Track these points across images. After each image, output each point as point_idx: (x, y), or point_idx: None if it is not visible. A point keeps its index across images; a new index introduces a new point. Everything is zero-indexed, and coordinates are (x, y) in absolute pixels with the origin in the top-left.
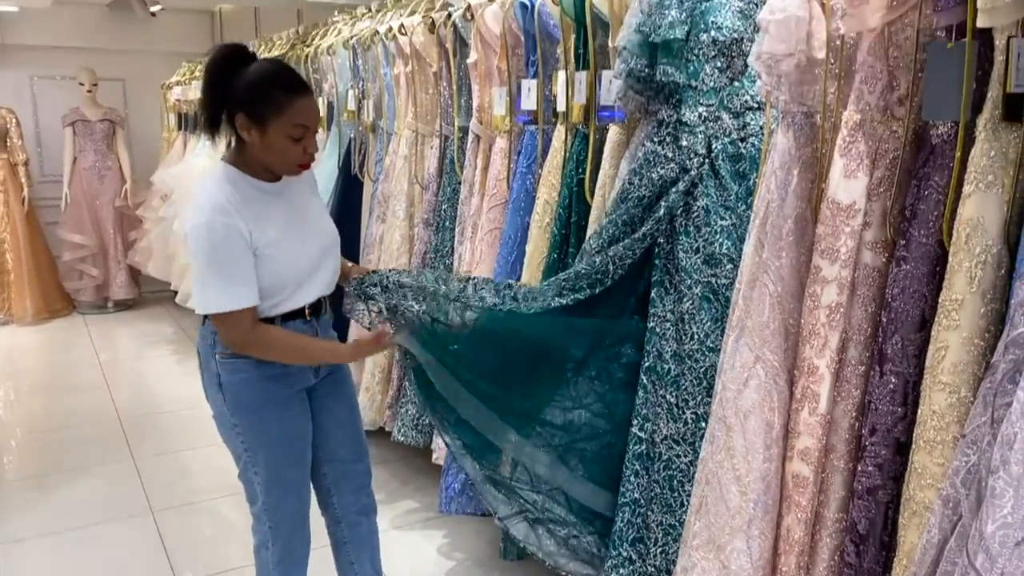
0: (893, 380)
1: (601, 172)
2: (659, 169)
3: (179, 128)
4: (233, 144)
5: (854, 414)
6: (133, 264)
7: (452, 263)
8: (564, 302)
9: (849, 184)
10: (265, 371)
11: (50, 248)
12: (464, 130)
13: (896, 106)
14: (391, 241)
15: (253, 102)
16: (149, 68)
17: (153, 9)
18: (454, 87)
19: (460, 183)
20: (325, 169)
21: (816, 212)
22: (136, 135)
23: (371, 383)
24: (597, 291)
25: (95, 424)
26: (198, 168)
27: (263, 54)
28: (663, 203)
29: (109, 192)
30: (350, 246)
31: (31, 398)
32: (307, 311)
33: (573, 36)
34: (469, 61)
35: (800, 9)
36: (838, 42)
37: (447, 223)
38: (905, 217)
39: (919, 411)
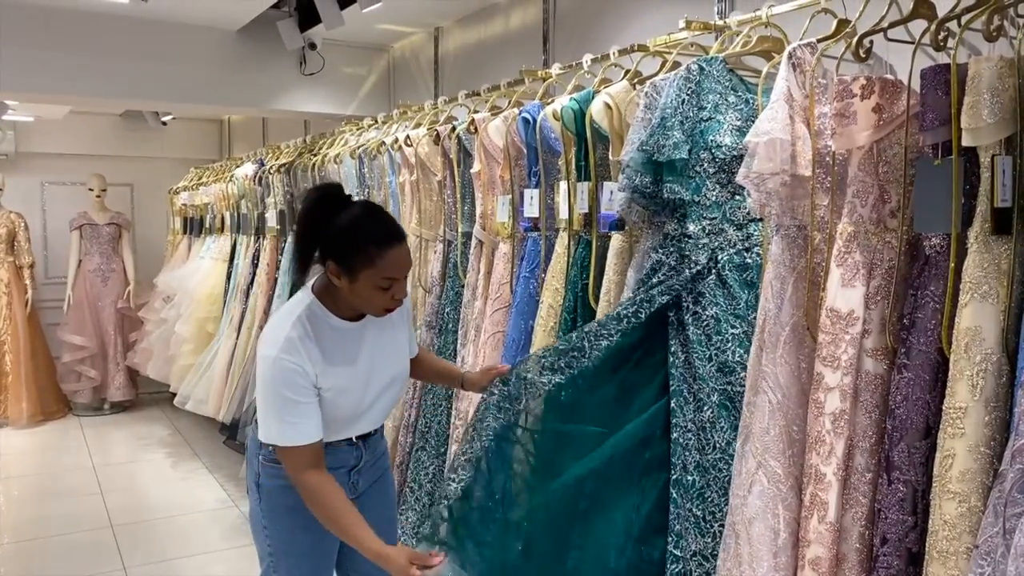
0: (902, 488)
1: (605, 279)
2: (660, 276)
3: (184, 231)
4: (321, 277)
5: (864, 522)
6: (132, 365)
7: (455, 364)
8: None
9: (847, 293)
10: None
11: (50, 350)
12: (467, 235)
13: (889, 218)
14: None
15: (345, 252)
16: (157, 174)
17: (164, 119)
18: (458, 195)
19: (463, 286)
20: None
21: (813, 321)
22: (142, 238)
23: None
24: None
25: (86, 530)
26: (201, 271)
27: (271, 162)
28: (651, 297)
29: (112, 294)
30: None
31: (21, 504)
32: (355, 438)
33: (574, 149)
34: (472, 171)
35: (783, 132)
36: (828, 158)
37: (450, 325)
38: (904, 325)
39: (930, 520)
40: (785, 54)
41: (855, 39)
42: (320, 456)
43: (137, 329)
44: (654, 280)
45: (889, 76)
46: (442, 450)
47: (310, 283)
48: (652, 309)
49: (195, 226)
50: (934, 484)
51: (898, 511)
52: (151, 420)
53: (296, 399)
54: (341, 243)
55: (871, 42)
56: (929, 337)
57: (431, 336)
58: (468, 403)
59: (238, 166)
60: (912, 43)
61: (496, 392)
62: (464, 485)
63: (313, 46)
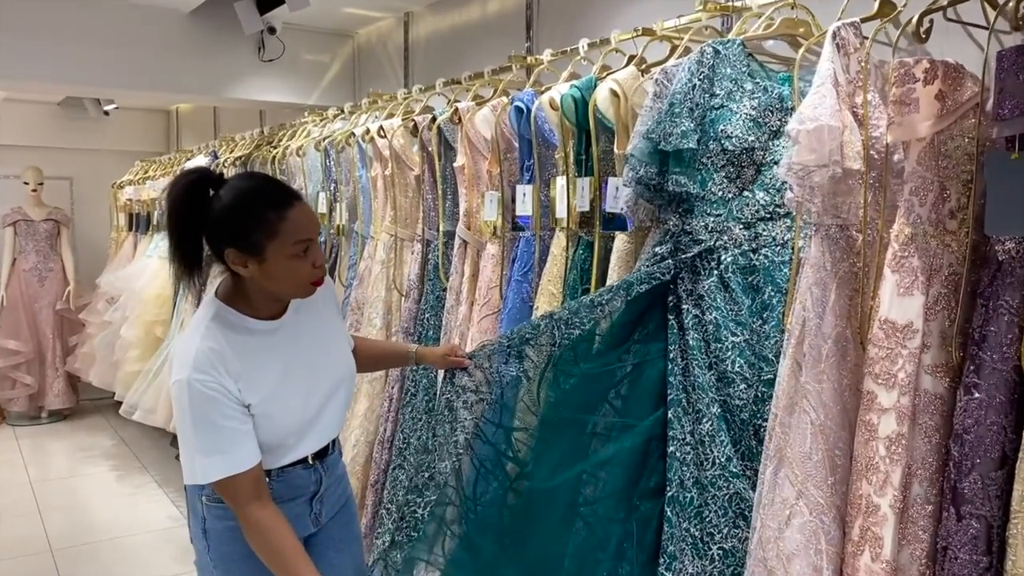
0: (975, 525)
1: (608, 283)
2: (647, 263)
3: (129, 229)
4: (225, 280)
5: (924, 561)
6: (72, 371)
7: (435, 375)
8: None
9: (904, 302)
10: None
11: None
12: (449, 235)
13: (948, 218)
14: None
15: (242, 231)
16: (99, 167)
17: (107, 108)
18: (438, 191)
19: (444, 290)
20: None
21: (859, 332)
22: (82, 235)
23: None
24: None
25: (22, 556)
26: (148, 270)
27: (225, 155)
28: (628, 284)
29: (50, 295)
30: None
31: None
32: (310, 458)
33: (573, 141)
34: (455, 165)
35: (832, 118)
36: (873, 152)
37: (430, 333)
38: (973, 340)
39: (1008, 562)
40: (829, 33)
41: (915, 17)
42: (261, 484)
43: (78, 332)
44: (642, 269)
45: (950, 60)
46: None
47: (211, 290)
48: (629, 296)
49: (141, 223)
50: (1013, 520)
51: (970, 551)
52: (94, 429)
53: (221, 424)
54: (234, 222)
55: (931, 21)
56: (1004, 354)
57: (409, 343)
58: None
59: (188, 159)
60: (974, 24)
61: (459, 389)
62: (434, 508)
63: (272, 30)
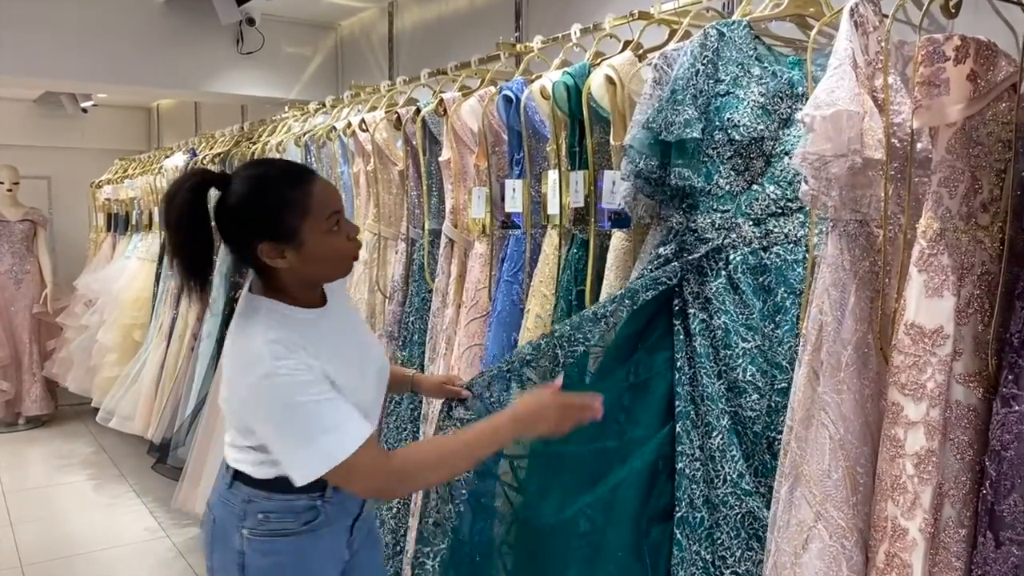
0: (1016, 552)
1: (605, 283)
2: (651, 267)
3: (108, 229)
4: (255, 281)
5: None
6: (50, 376)
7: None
8: None
9: (933, 304)
10: (303, 549)
11: None
12: (434, 233)
13: (980, 212)
14: None
15: (270, 220)
16: (78, 165)
17: (84, 105)
18: (423, 187)
19: (430, 292)
20: None
21: (881, 338)
22: (60, 236)
23: None
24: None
25: None
26: (127, 272)
27: (204, 152)
28: (633, 293)
29: (26, 298)
30: None
31: None
32: None
33: (566, 132)
34: (441, 159)
35: (851, 103)
36: (895, 140)
37: (416, 336)
38: (1011, 345)
39: None
40: (846, 10)
41: None
42: (380, 448)
43: (55, 336)
44: (645, 273)
45: (981, 37)
46: None
47: (243, 292)
48: (635, 305)
49: (120, 223)
50: None
51: None
52: (72, 436)
53: (321, 401)
54: (260, 212)
55: None
56: None
57: (393, 348)
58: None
59: (167, 156)
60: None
61: (457, 422)
62: (437, 554)
63: (251, 22)
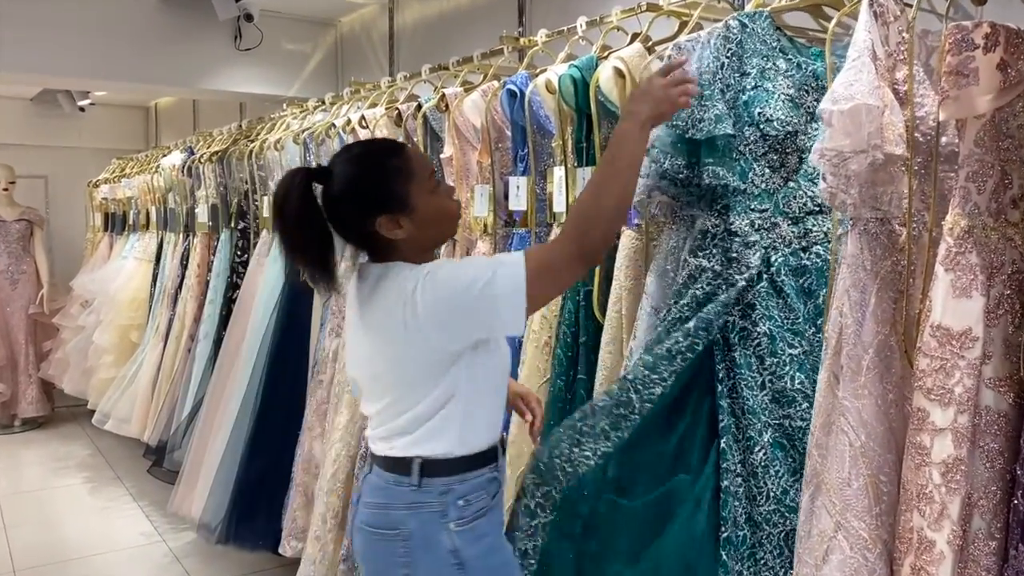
0: None
1: (615, 284)
2: (703, 286)
3: (105, 229)
4: (374, 256)
5: None
6: (46, 377)
7: None
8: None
9: (961, 305)
10: (497, 522)
11: None
12: None
13: (1010, 208)
14: None
15: (382, 191)
16: (75, 165)
17: (82, 104)
18: None
19: None
20: (270, 275)
21: (904, 340)
22: (57, 236)
23: (322, 531)
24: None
25: None
26: (124, 272)
27: (201, 150)
28: (708, 323)
29: (23, 298)
30: (298, 362)
31: None
32: (499, 447)
33: (572, 127)
34: (442, 156)
35: (870, 96)
36: (917, 135)
37: None
38: None
39: None
40: (865, 0)
41: None
42: None
43: (52, 337)
44: (698, 293)
45: (1011, 24)
46: None
47: (354, 281)
48: (710, 338)
49: (117, 222)
50: None
51: None
52: (68, 438)
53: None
54: (371, 187)
55: None
56: None
57: None
58: None
59: (165, 155)
60: None
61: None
62: None
63: (249, 18)
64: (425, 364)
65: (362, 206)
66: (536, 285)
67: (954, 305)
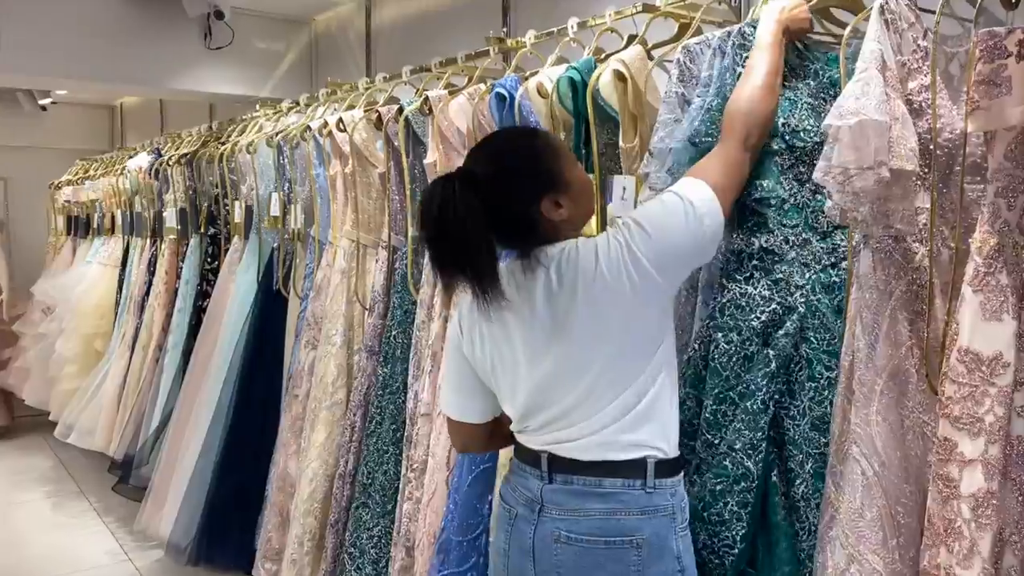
0: None
1: None
2: (758, 315)
3: (68, 232)
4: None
5: None
6: (5, 387)
7: (404, 401)
8: None
9: (991, 329)
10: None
11: None
12: (419, 241)
13: None
14: (325, 372)
15: (540, 173)
16: (36, 166)
17: (43, 103)
18: (406, 191)
19: (414, 304)
20: (242, 283)
21: (926, 365)
22: (17, 240)
23: (298, 554)
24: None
25: None
26: (87, 278)
27: (169, 152)
28: (773, 356)
29: None
30: (272, 374)
31: None
32: None
33: (567, 133)
34: (426, 162)
35: (877, 111)
36: (931, 145)
37: (398, 352)
38: None
39: None
40: (876, 7)
41: None
42: None
43: (12, 345)
44: (755, 324)
45: None
46: (389, 507)
47: (542, 253)
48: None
49: (80, 226)
50: None
51: None
52: (30, 450)
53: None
54: (530, 170)
55: None
56: None
57: (373, 364)
58: (423, 450)
59: (131, 157)
60: None
61: None
62: None
63: (220, 15)
64: (645, 329)
65: (526, 193)
66: (727, 198)
67: (983, 328)
